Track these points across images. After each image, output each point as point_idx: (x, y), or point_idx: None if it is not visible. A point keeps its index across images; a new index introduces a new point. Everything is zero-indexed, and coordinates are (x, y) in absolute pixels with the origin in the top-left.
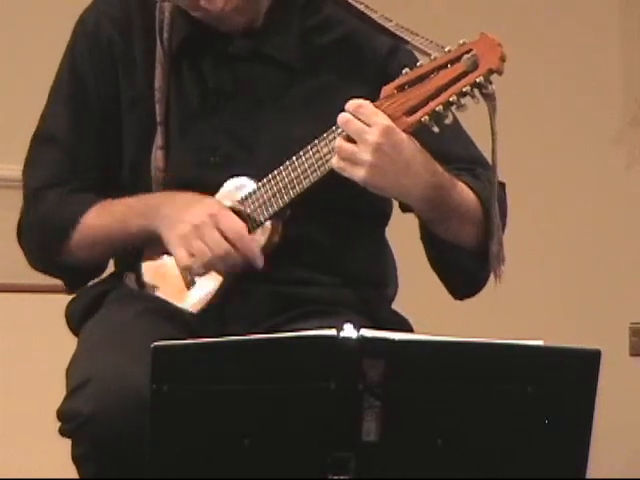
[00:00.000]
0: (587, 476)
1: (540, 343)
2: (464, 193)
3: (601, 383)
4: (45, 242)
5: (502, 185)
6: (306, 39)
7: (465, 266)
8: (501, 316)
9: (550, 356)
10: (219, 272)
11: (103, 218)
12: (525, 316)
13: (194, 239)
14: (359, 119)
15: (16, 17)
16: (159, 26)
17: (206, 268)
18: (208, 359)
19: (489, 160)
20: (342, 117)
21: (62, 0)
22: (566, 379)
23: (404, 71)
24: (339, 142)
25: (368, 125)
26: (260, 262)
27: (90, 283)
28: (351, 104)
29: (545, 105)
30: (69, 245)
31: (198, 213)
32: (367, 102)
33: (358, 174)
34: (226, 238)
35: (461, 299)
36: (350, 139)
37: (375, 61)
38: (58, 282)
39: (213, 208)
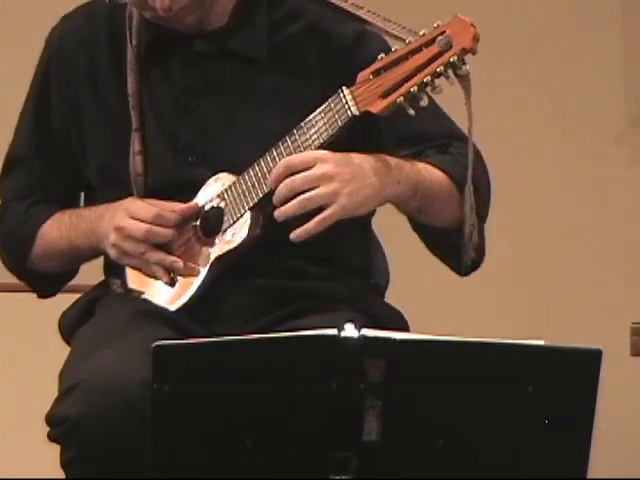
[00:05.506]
0: (588, 476)
1: (541, 342)
2: (431, 173)
3: (602, 383)
4: (11, 254)
5: (478, 154)
6: (272, 32)
7: (458, 245)
8: (502, 315)
9: (551, 356)
10: (155, 253)
11: (54, 234)
12: (526, 315)
13: (121, 241)
14: (296, 171)
15: (13, 21)
16: (129, 33)
17: (149, 259)
18: (209, 359)
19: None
20: (283, 186)
21: (54, 10)
22: (567, 379)
23: (379, 56)
24: (308, 197)
25: (308, 169)
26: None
27: (82, 292)
28: (277, 169)
29: (546, 106)
30: (33, 256)
31: (114, 215)
32: (286, 158)
33: (339, 206)
34: (140, 220)
35: (466, 275)
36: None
37: (342, 47)
38: None
39: (122, 204)
